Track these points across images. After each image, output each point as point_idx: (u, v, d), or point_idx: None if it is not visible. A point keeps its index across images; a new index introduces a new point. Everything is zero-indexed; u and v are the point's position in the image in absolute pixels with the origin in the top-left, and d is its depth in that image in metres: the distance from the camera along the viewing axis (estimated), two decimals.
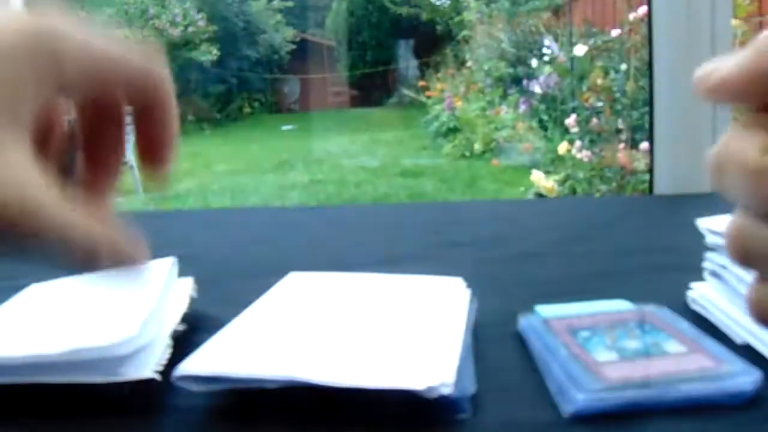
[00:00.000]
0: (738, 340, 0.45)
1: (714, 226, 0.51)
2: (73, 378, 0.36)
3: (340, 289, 0.54)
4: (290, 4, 10.18)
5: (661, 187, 1.19)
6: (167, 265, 0.50)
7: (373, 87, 10.15)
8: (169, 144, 0.30)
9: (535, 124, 5.28)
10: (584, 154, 3.92)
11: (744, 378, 0.36)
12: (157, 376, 0.37)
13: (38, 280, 0.55)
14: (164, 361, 0.38)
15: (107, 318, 0.42)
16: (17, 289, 0.54)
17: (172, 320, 0.45)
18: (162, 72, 0.28)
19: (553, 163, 4.33)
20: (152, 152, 0.30)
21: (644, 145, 3.31)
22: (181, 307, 0.48)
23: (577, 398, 0.35)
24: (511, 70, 6.27)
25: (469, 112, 6.11)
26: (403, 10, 9.83)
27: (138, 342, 0.38)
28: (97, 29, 0.26)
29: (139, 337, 0.38)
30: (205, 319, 0.53)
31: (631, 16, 3.82)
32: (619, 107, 3.81)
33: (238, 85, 9.97)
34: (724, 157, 0.21)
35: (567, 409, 0.35)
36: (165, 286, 0.47)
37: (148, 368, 0.37)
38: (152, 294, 0.44)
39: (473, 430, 0.34)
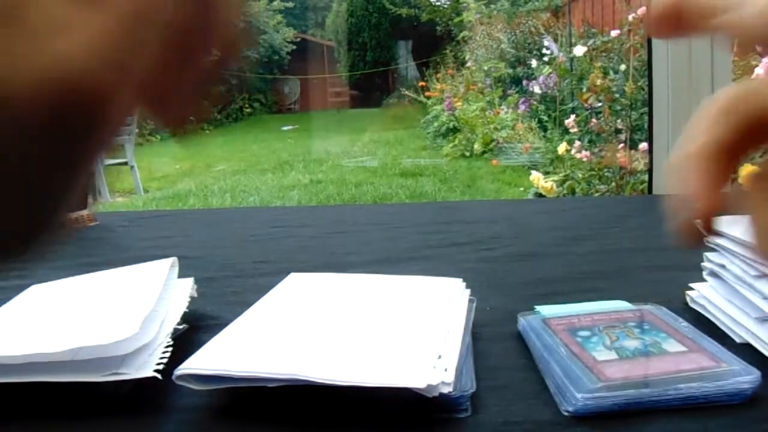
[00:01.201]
0: (737, 340, 0.45)
1: None
2: (74, 377, 0.36)
3: (340, 289, 0.54)
4: (290, 4, 10.18)
5: (660, 187, 1.19)
6: (167, 265, 0.51)
7: (372, 87, 10.15)
8: None
9: (534, 124, 5.29)
10: (583, 155, 3.92)
11: (743, 377, 0.36)
12: (158, 375, 0.37)
13: (39, 280, 0.56)
14: (165, 360, 0.38)
15: (108, 317, 0.42)
16: (18, 289, 0.54)
17: (172, 320, 0.45)
18: None
19: (553, 164, 4.34)
20: None
21: (643, 145, 3.31)
22: (182, 306, 0.48)
23: (576, 397, 0.35)
24: (510, 71, 6.28)
25: (468, 112, 6.12)
26: (403, 11, 9.83)
27: (138, 341, 0.38)
28: None
29: (139, 336, 0.38)
30: (205, 318, 0.53)
31: (631, 17, 3.82)
32: (618, 107, 3.81)
33: (238, 86, 9.97)
34: None
35: (566, 408, 0.36)
36: (165, 286, 0.47)
37: (148, 367, 0.37)
38: (152, 294, 0.44)
39: (473, 428, 0.34)
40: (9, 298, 0.51)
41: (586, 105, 4.11)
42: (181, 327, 0.46)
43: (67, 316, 0.46)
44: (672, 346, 0.40)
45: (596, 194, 3.59)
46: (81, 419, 0.36)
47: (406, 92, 8.83)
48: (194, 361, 0.37)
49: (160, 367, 0.38)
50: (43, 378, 0.36)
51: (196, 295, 0.54)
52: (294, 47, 10.28)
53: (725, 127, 0.22)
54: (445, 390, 0.35)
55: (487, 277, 0.64)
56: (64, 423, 0.36)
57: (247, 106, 10.08)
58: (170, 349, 0.40)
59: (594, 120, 3.99)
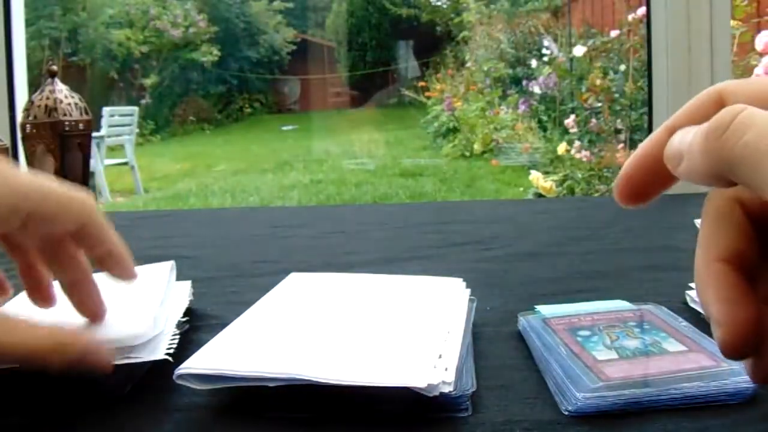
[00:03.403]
0: None
1: None
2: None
3: (340, 289, 0.54)
4: (290, 5, 10.17)
5: None
6: (167, 268, 0.51)
7: (373, 87, 10.15)
8: (121, 253, 0.39)
9: (534, 124, 5.30)
10: (583, 155, 3.93)
11: (743, 377, 0.36)
12: (170, 358, 0.38)
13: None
14: (174, 345, 0.40)
15: (116, 315, 0.43)
16: (18, 288, 0.54)
17: (176, 316, 0.46)
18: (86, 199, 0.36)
19: (552, 164, 4.34)
20: (113, 266, 0.39)
21: None
22: (182, 306, 0.48)
23: (576, 396, 0.35)
24: (510, 71, 6.29)
25: (468, 112, 6.12)
26: (403, 11, 9.83)
27: (153, 332, 0.39)
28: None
29: (152, 331, 0.39)
30: (205, 318, 0.53)
31: (630, 17, 3.82)
32: (618, 108, 3.82)
33: (238, 86, 9.97)
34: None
35: (567, 407, 0.36)
36: (166, 287, 0.47)
37: (159, 351, 0.39)
38: (158, 293, 0.45)
39: (473, 428, 0.35)
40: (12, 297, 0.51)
41: (585, 105, 4.11)
42: (184, 319, 0.47)
43: (74, 314, 0.46)
44: (672, 345, 0.40)
45: (596, 194, 3.59)
46: (81, 418, 0.36)
47: (406, 92, 8.84)
48: (195, 360, 0.38)
49: (171, 350, 0.39)
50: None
51: (193, 298, 0.54)
52: (294, 48, 10.27)
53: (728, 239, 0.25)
54: (446, 389, 0.35)
55: (487, 276, 0.64)
56: (65, 422, 0.36)
57: (247, 106, 10.08)
58: (177, 337, 0.42)
59: (594, 120, 3.99)
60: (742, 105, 0.22)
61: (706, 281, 0.24)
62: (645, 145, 0.27)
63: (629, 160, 0.27)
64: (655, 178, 0.26)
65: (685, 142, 0.23)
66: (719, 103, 0.26)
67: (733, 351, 0.23)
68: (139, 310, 0.42)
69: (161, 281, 0.48)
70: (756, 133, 0.21)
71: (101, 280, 0.54)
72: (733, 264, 0.24)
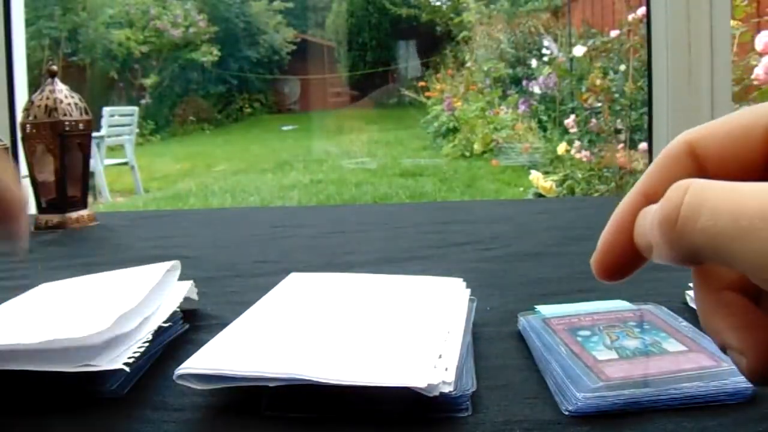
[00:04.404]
0: None
1: None
2: (47, 366, 0.37)
3: (340, 289, 0.54)
4: (290, 5, 10.17)
5: None
6: (165, 267, 0.51)
7: (372, 87, 10.15)
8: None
9: (534, 124, 5.30)
10: (583, 155, 3.93)
11: (743, 377, 0.36)
12: (126, 368, 0.37)
13: (42, 281, 0.56)
14: (137, 355, 0.39)
15: (91, 313, 0.43)
16: (23, 288, 0.54)
17: (158, 318, 0.45)
18: None
19: (552, 164, 4.35)
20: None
21: (643, 145, 3.32)
22: (171, 306, 0.48)
23: (577, 396, 0.35)
24: (510, 71, 6.29)
25: (468, 112, 6.13)
26: (403, 11, 9.83)
27: (109, 334, 0.38)
28: None
29: (111, 330, 0.38)
30: (205, 318, 0.53)
31: (630, 17, 3.83)
32: (617, 108, 3.82)
33: (238, 86, 9.97)
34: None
35: (567, 407, 0.36)
36: (159, 286, 0.47)
37: (120, 360, 0.38)
38: (140, 292, 0.44)
39: (473, 428, 0.35)
40: (13, 296, 0.51)
41: (585, 105, 4.11)
42: (167, 325, 0.46)
43: (58, 312, 0.47)
44: (672, 345, 0.40)
45: (596, 194, 3.59)
46: (81, 418, 0.36)
47: (406, 92, 8.84)
48: (195, 360, 0.38)
49: (131, 360, 0.38)
50: (18, 366, 0.37)
51: (196, 297, 0.54)
52: (294, 48, 10.27)
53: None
54: (446, 389, 0.35)
55: (487, 276, 0.64)
56: (65, 422, 0.36)
57: (247, 106, 10.08)
58: (146, 344, 0.41)
59: (594, 120, 4.00)
60: (688, 181, 0.21)
61: (715, 310, 0.23)
62: (618, 217, 0.25)
63: (604, 235, 0.25)
64: (631, 256, 0.24)
65: (647, 230, 0.22)
66: (691, 154, 0.24)
67: (765, 378, 0.22)
68: (109, 310, 0.41)
69: (149, 283, 0.47)
70: (710, 213, 0.19)
71: (98, 279, 0.54)
72: (738, 290, 0.23)
